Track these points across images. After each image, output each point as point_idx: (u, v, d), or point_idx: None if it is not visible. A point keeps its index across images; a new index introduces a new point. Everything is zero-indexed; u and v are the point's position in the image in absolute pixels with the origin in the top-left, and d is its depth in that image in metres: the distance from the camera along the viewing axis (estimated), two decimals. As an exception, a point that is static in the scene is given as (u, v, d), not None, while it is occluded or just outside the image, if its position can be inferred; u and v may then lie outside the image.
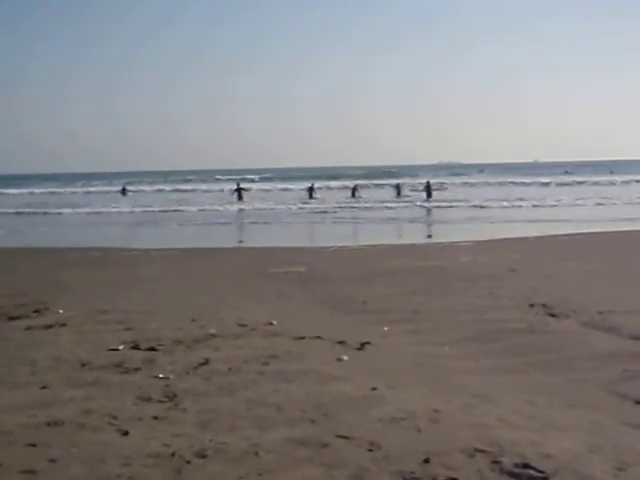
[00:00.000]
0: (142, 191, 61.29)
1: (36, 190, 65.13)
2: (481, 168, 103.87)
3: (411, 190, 49.72)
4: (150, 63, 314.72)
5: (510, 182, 59.72)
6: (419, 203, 38.87)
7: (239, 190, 45.60)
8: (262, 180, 73.37)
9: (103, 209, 38.27)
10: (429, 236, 23.51)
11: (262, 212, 34.04)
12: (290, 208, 36.54)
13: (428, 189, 44.19)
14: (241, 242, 22.72)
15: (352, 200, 43.08)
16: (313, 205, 38.92)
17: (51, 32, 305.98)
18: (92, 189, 65.77)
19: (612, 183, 57.14)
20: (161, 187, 66.62)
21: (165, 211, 35.83)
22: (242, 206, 39.02)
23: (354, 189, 48.27)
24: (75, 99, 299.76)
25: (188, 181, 78.28)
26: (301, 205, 38.76)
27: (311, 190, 47.91)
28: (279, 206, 37.55)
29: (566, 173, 78.49)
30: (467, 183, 61.75)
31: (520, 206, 34.73)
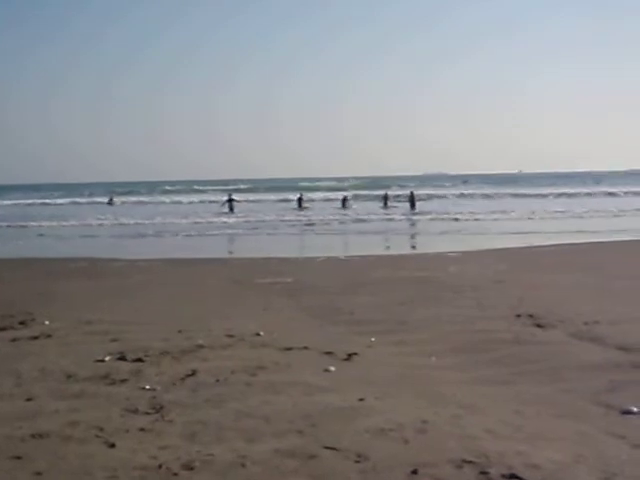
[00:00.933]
0: (129, 202, 60.93)
1: (21, 201, 64.63)
2: (465, 179, 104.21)
3: (397, 201, 49.96)
4: (139, 73, 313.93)
5: (494, 193, 59.99)
6: (404, 214, 38.91)
7: (230, 201, 45.69)
8: (248, 191, 73.07)
9: (90, 221, 37.70)
10: (415, 247, 23.61)
11: (252, 223, 33.92)
12: (280, 219, 36.43)
13: (412, 200, 44.35)
14: (231, 253, 22.65)
15: (342, 211, 43.04)
16: (303, 216, 38.87)
17: (41, 39, 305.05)
18: (78, 200, 65.10)
19: (598, 194, 57.45)
20: (148, 198, 66.27)
21: (155, 222, 35.35)
22: (233, 217, 38.90)
23: (344, 200, 48.38)
24: (61, 107, 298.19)
25: (177, 192, 77.89)
26: (291, 216, 38.67)
27: (300, 201, 48.06)
28: (269, 217, 37.45)
29: (552, 185, 78.83)
30: (451, 194, 61.95)
31: (505, 218, 34.83)
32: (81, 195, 72.77)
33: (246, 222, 34.61)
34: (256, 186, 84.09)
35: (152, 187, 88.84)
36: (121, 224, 35.25)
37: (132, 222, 35.82)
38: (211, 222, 34.74)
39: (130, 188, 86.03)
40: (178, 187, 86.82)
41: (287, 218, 37.15)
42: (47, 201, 64.11)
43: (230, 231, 29.99)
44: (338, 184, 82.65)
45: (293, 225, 33.03)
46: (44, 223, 36.05)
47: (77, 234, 29.66)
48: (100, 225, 35.11)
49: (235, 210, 43.89)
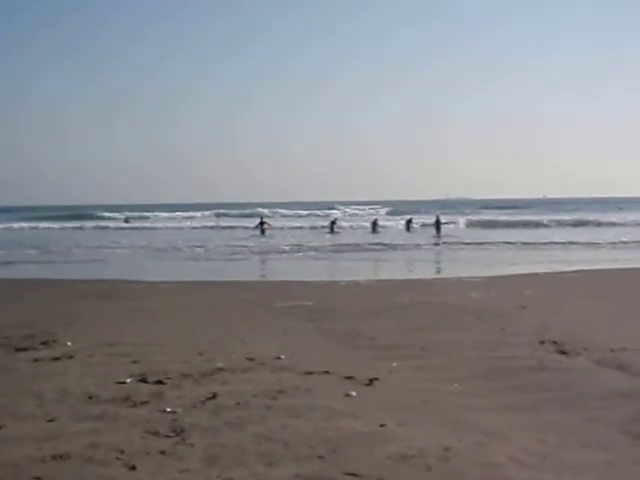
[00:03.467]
0: (158, 227, 60.81)
1: (41, 224, 64.86)
2: (488, 203, 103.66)
3: (421, 225, 50.11)
4: (151, 98, 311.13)
5: (507, 220, 59.21)
6: (428, 239, 38.77)
7: (262, 224, 46.07)
8: (278, 215, 73.21)
9: (109, 243, 37.39)
10: (438, 271, 23.48)
11: (282, 246, 33.78)
12: (309, 243, 36.13)
13: (437, 225, 44.31)
14: (254, 276, 22.54)
15: (372, 235, 42.95)
16: (334, 240, 38.64)
17: (54, 61, 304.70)
18: (96, 223, 64.97)
19: (623, 224, 56.42)
20: (172, 222, 66.43)
21: (191, 246, 34.95)
22: (264, 240, 39.01)
23: (374, 224, 48.45)
24: (76, 130, 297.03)
25: (220, 215, 77.90)
26: (321, 240, 38.48)
27: (333, 224, 48.24)
28: (300, 240, 37.32)
29: (573, 211, 78.22)
30: (471, 220, 61.49)
31: (522, 246, 34.35)
32: (99, 218, 73.03)
33: (276, 245, 34.48)
34: (284, 209, 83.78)
35: (169, 209, 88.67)
36: (144, 247, 35.26)
37: (156, 245, 35.77)
38: (243, 245, 34.45)
39: (143, 211, 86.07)
40: (202, 211, 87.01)
41: (316, 242, 36.85)
42: (66, 225, 63.96)
43: (258, 255, 29.94)
44: (363, 208, 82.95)
45: (320, 249, 32.68)
46: (64, 246, 35.94)
47: (97, 256, 29.76)
48: (120, 248, 35.08)
49: (266, 233, 44.20)
